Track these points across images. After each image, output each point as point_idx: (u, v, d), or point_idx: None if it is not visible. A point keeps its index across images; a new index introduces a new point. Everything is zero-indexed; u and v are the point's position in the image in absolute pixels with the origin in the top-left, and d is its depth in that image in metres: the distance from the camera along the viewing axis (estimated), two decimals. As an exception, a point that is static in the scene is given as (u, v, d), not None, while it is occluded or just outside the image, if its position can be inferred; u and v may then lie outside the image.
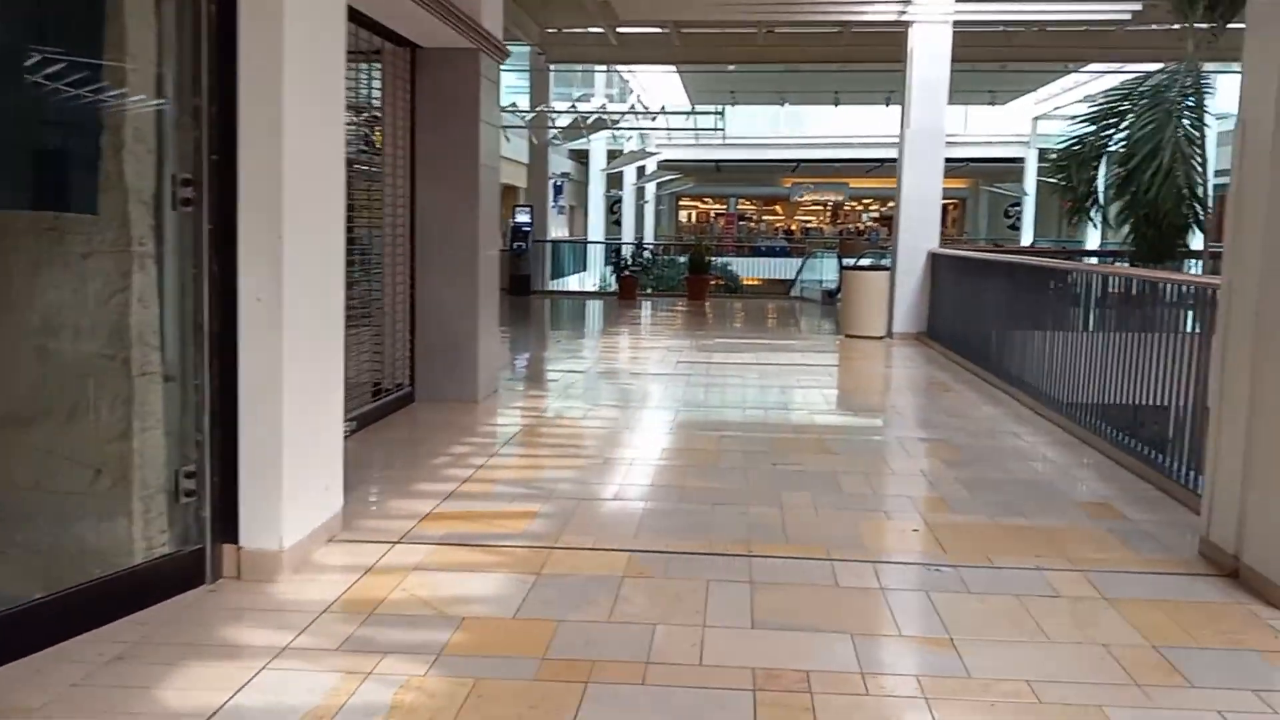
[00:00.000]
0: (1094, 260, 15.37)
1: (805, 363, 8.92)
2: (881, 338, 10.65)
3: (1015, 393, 7.05)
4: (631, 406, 6.57)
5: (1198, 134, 9.93)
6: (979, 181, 41.81)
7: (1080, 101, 34.28)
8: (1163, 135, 9.79)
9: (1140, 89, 10.67)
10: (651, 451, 5.23)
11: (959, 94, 13.68)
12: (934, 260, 10.49)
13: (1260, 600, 3.11)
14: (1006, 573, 3.40)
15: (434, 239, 6.49)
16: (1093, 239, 32.88)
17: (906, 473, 4.87)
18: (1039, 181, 36.41)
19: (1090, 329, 6.14)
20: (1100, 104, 11.50)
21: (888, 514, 4.12)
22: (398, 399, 6.40)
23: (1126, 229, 10.71)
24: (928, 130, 10.55)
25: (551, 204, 35.33)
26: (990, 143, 37.38)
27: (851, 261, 17.46)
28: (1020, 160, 37.08)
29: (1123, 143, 10.91)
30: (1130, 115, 10.76)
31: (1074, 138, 11.44)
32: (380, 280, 6.32)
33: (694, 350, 9.58)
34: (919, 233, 10.64)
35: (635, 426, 5.89)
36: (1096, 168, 11.13)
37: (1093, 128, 11.25)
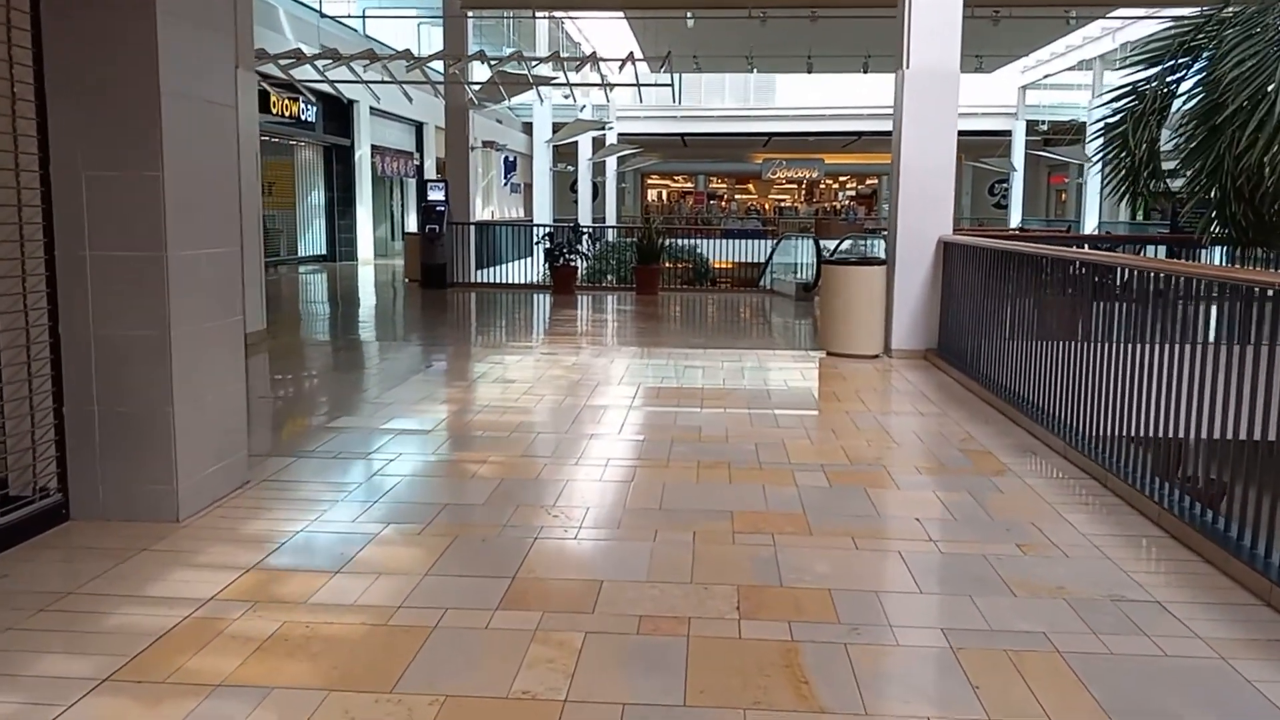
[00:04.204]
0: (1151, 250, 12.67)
1: (768, 410, 6.06)
2: (876, 356, 7.82)
3: (1113, 481, 4.23)
4: (451, 531, 3.67)
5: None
6: (963, 156, 39.10)
7: (1073, 69, 31.79)
8: (1270, 74, 7.00)
9: (1223, 14, 7.87)
10: (418, 698, 2.35)
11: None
12: (947, 251, 7.65)
13: None
14: None
15: (88, 227, 3.54)
16: (1090, 218, 30.47)
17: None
18: (1031, 155, 33.89)
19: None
20: (1161, 40, 8.63)
21: None
22: (31, 519, 3.49)
23: (1205, 207, 7.98)
24: (936, 69, 7.66)
25: (502, 181, 32.45)
26: (975, 113, 34.70)
27: (831, 247, 14.64)
28: (1007, 133, 34.48)
29: (1197, 91, 8.14)
30: (1208, 52, 7.98)
31: (1126, 87, 8.61)
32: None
33: (615, 384, 6.70)
34: (925, 214, 7.79)
35: (430, 594, 3.01)
36: (1160, 125, 8.32)
37: (1152, 71, 8.43)
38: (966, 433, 5.34)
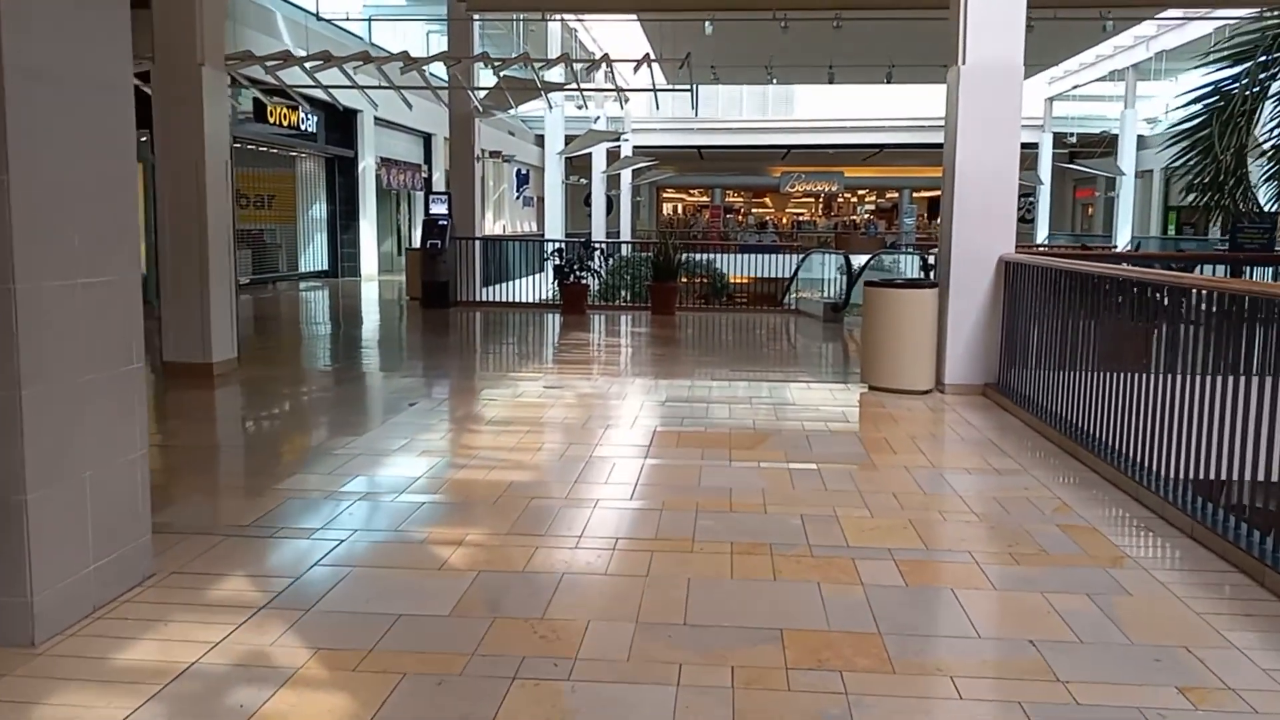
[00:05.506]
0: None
1: (810, 463, 5.09)
2: (927, 392, 6.82)
3: (1272, 578, 3.23)
4: (400, 664, 2.72)
5: None
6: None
7: (1103, 80, 30.73)
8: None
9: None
10: None
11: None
12: (1010, 272, 6.66)
13: None
14: None
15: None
16: (1122, 233, 29.32)
17: None
18: (1058, 168, 32.82)
19: None
20: (1248, 34, 7.66)
21: None
22: None
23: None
24: (996, 63, 6.69)
25: (514, 194, 31.57)
26: (1000, 125, 33.46)
27: (861, 262, 13.67)
28: (1033, 146, 33.46)
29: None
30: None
31: (1208, 86, 7.63)
32: None
33: (628, 426, 5.74)
34: (984, 229, 6.80)
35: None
36: (1249, 128, 7.33)
37: (1238, 69, 7.45)
38: (1058, 499, 4.34)
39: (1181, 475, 4.12)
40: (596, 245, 14.21)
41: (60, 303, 2.78)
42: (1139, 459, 4.50)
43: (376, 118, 18.70)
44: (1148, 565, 3.53)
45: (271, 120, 15.86)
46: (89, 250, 2.90)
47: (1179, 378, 4.26)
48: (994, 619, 3.04)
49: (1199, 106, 7.62)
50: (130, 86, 3.07)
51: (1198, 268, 8.30)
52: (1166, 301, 4.90)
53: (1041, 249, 19.63)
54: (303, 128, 16.84)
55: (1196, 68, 8.79)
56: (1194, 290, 4.71)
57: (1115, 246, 26.75)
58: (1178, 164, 7.60)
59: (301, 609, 3.01)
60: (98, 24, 2.92)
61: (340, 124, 18.16)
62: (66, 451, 2.83)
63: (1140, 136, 30.35)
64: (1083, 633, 2.91)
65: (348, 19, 16.99)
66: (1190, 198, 7.63)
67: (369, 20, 19.22)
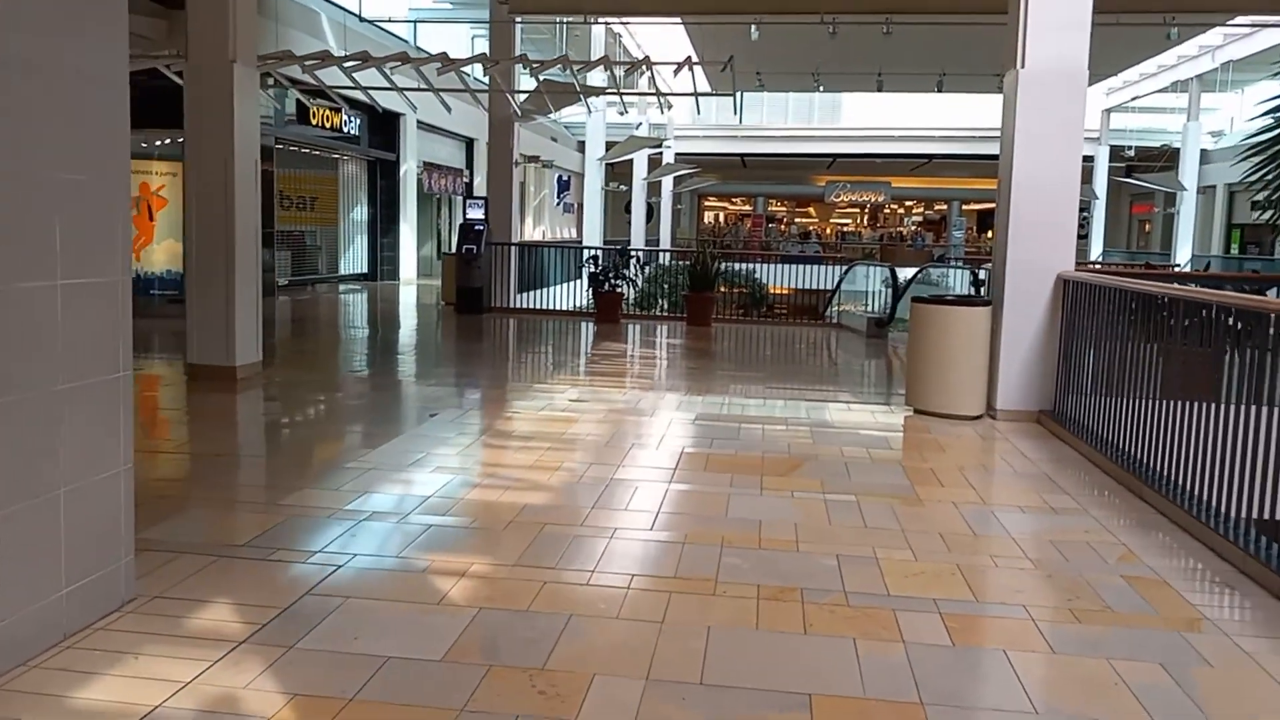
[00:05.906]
0: None
1: (849, 495, 4.75)
2: (977, 418, 6.43)
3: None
4: (382, 718, 2.45)
5: None
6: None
7: (1163, 91, 29.74)
8: None
9: None
10: None
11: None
12: (1069, 291, 6.25)
13: None
14: None
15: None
16: (1183, 251, 28.33)
17: None
18: (1114, 182, 31.94)
19: None
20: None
21: None
22: None
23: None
24: (1058, 68, 6.28)
25: (555, 200, 31.46)
26: (1055, 138, 32.59)
27: (908, 276, 13.22)
28: (1088, 159, 32.54)
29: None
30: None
31: (1286, 95, 7.14)
32: None
33: (654, 447, 5.44)
34: (1042, 245, 6.39)
35: None
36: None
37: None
38: (1123, 545, 3.94)
39: (1260, 516, 3.74)
40: (633, 253, 13.92)
41: (36, 305, 2.56)
42: (1211, 501, 4.10)
43: (419, 121, 18.66)
44: (1229, 630, 3.13)
45: (314, 122, 15.86)
46: (74, 251, 2.68)
47: (1258, 409, 3.87)
48: (1052, 689, 2.68)
49: (1271, 119, 7.13)
50: (126, 81, 2.85)
51: (1273, 289, 7.81)
52: (1240, 326, 4.51)
53: (1096, 266, 19.01)
54: (345, 130, 16.83)
55: (1275, 76, 8.25)
56: (1274, 315, 4.29)
57: (1176, 265, 25.85)
58: (1252, 179, 7.11)
59: (284, 645, 2.76)
60: (89, 14, 2.70)
61: (382, 127, 18.15)
62: (39, 465, 2.61)
63: (1203, 150, 29.35)
64: (1157, 711, 2.54)
65: (390, 21, 16.95)
66: (1268, 215, 7.13)
67: (414, 23, 19.23)
